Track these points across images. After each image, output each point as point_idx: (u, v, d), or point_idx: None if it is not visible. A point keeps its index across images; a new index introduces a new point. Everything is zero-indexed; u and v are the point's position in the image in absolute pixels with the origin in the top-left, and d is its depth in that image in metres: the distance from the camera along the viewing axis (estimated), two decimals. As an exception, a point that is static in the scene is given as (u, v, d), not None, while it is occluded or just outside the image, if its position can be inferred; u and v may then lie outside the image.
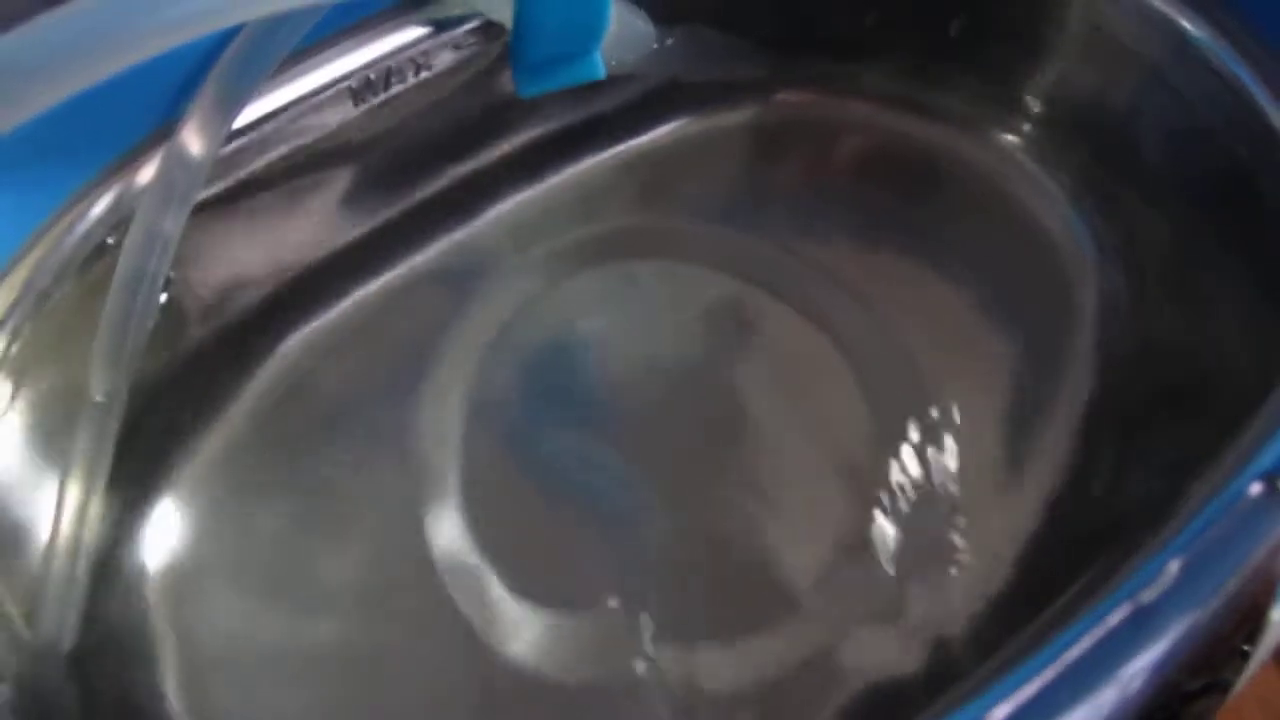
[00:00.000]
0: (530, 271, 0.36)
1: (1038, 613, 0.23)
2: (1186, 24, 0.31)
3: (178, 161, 0.26)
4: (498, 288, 0.36)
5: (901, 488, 0.32)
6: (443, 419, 0.33)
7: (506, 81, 0.33)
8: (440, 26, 0.31)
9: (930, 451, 0.32)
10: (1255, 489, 0.20)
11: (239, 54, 0.26)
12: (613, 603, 0.30)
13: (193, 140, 0.26)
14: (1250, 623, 0.21)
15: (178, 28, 0.21)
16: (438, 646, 0.30)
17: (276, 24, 0.26)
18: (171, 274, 0.29)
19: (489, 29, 0.31)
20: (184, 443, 0.33)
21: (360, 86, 0.30)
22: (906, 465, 0.32)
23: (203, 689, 0.29)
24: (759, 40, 0.36)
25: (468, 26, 0.31)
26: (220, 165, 0.29)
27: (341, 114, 0.31)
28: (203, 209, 0.30)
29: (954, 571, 0.31)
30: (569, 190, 0.37)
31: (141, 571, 0.31)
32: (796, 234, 0.36)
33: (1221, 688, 0.22)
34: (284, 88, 0.30)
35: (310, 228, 0.34)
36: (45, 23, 0.20)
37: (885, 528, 0.31)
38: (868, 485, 0.32)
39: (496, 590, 0.31)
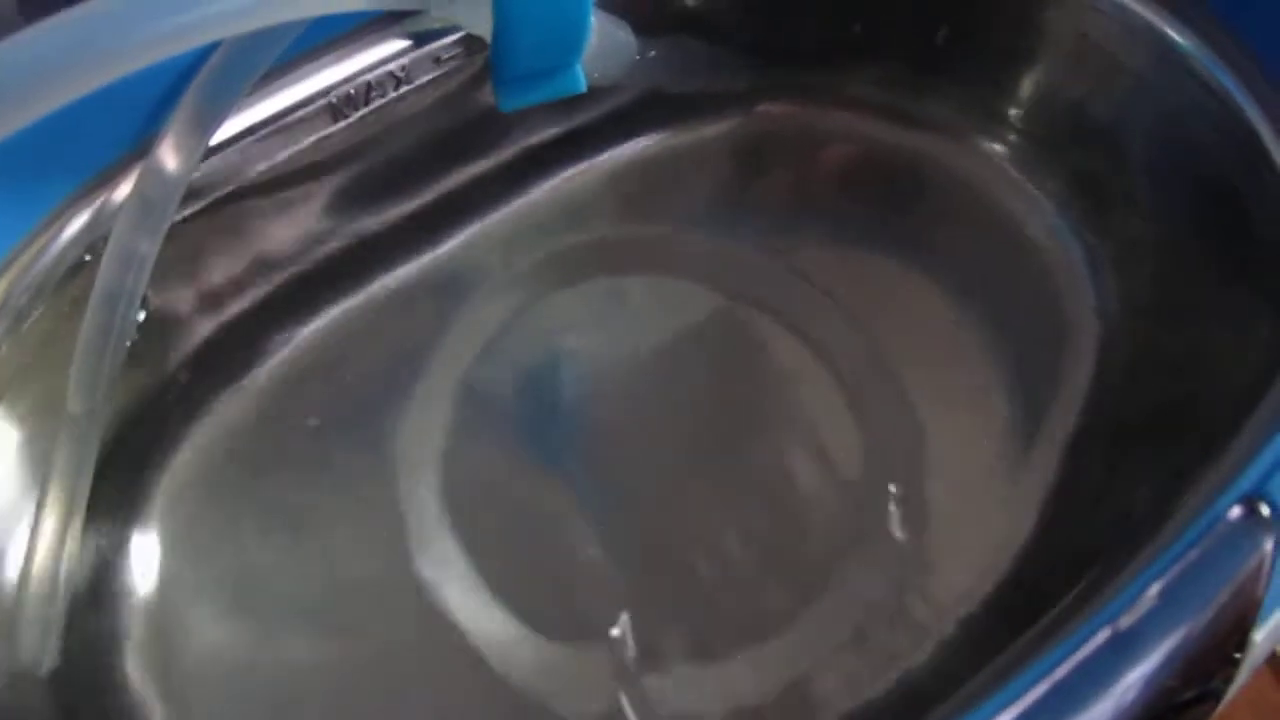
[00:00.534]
0: (515, 283, 0.36)
1: (1027, 626, 0.23)
2: (1171, 32, 0.31)
3: (154, 179, 0.26)
4: (483, 300, 0.36)
5: (888, 502, 0.32)
6: (426, 433, 0.33)
7: (488, 95, 0.33)
8: (420, 41, 0.31)
9: (916, 465, 0.32)
10: (1235, 512, 0.20)
11: (216, 70, 0.26)
12: (595, 618, 0.30)
13: (169, 157, 0.26)
14: (1236, 638, 0.21)
15: (156, 44, 0.21)
16: (419, 663, 0.30)
17: (255, 40, 0.26)
18: (149, 292, 0.29)
19: (470, 43, 0.31)
20: (164, 461, 0.32)
21: (341, 101, 0.30)
22: (893, 479, 0.32)
23: (182, 709, 0.29)
24: (742, 50, 0.36)
25: (448, 40, 0.31)
26: (200, 181, 0.29)
27: (322, 129, 0.31)
28: (182, 225, 0.30)
29: (942, 585, 0.31)
30: (553, 202, 0.37)
31: (121, 591, 0.31)
32: (782, 244, 0.36)
33: (1213, 696, 0.21)
34: (263, 103, 0.29)
35: (291, 243, 0.33)
36: (20, 40, 0.19)
37: (872, 542, 0.31)
38: (854, 499, 0.32)
39: (478, 605, 0.30)
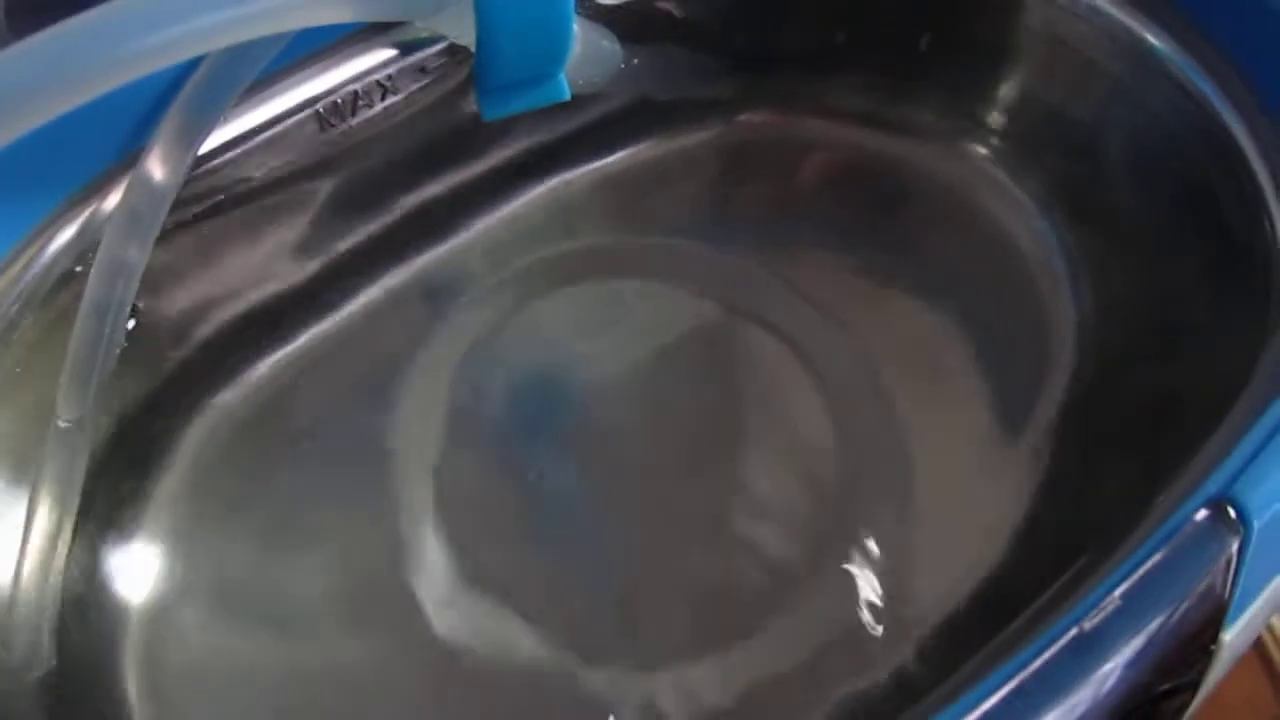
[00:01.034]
0: (503, 290, 0.36)
1: (1006, 627, 0.24)
2: (1149, 37, 0.32)
3: (142, 189, 0.26)
4: (471, 307, 0.36)
5: (870, 504, 0.32)
6: (417, 438, 0.34)
7: (474, 104, 0.33)
8: (406, 50, 0.31)
9: (898, 467, 0.32)
10: (1201, 515, 0.20)
11: (203, 82, 0.27)
12: (586, 619, 0.31)
13: (157, 168, 0.26)
14: (1206, 637, 0.21)
15: (143, 59, 0.21)
16: (411, 665, 0.30)
17: (241, 51, 0.26)
18: (139, 302, 0.29)
19: (455, 52, 0.32)
20: (154, 467, 0.33)
21: (327, 111, 0.31)
22: (875, 481, 0.32)
23: (174, 711, 0.29)
24: (727, 58, 0.37)
25: (433, 50, 0.31)
26: (189, 190, 0.29)
27: (309, 138, 0.31)
28: (172, 233, 0.30)
29: (924, 585, 0.31)
30: (539, 210, 0.38)
31: (113, 595, 0.31)
32: (766, 251, 0.37)
33: (1189, 688, 0.22)
34: (251, 113, 0.30)
35: (281, 250, 0.34)
36: (9, 54, 0.20)
37: (854, 544, 0.31)
38: (837, 501, 0.32)
39: (469, 607, 0.31)
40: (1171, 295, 0.33)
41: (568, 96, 0.29)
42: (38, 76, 0.20)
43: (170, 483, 0.33)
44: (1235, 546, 0.20)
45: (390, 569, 0.31)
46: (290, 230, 0.34)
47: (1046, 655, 0.18)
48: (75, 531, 0.29)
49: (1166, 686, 0.20)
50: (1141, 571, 0.19)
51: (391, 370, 0.35)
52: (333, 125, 0.31)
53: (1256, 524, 0.20)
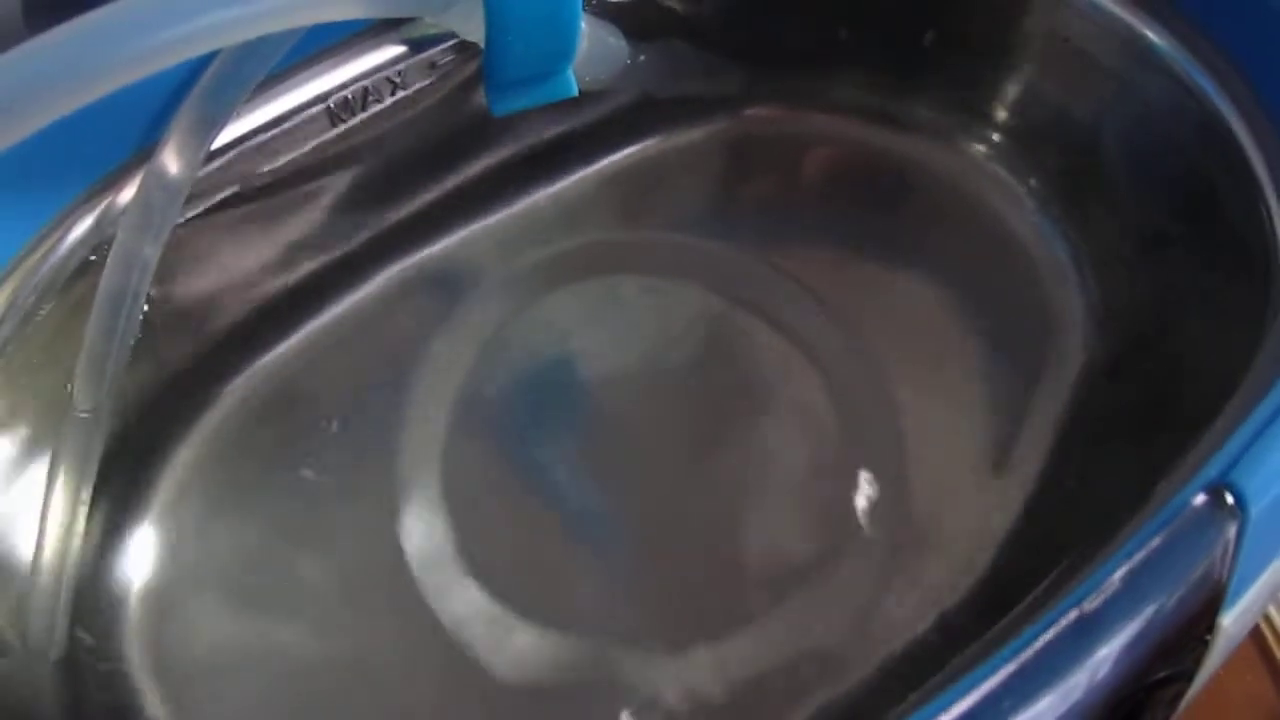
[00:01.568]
0: (512, 285, 0.37)
1: (1006, 614, 0.24)
2: (1150, 34, 0.32)
3: (157, 183, 0.27)
4: (480, 301, 0.36)
5: (872, 498, 0.32)
6: (425, 431, 0.34)
7: (483, 99, 0.33)
8: (416, 46, 0.31)
9: (900, 461, 0.33)
10: (1199, 500, 0.20)
11: (216, 77, 0.27)
12: (591, 609, 0.31)
13: (171, 162, 0.27)
14: (1204, 621, 0.21)
15: (156, 55, 0.21)
16: (419, 655, 0.30)
17: (252, 47, 0.27)
18: (153, 291, 0.29)
19: (464, 48, 0.32)
20: (167, 455, 0.33)
21: (338, 107, 0.31)
22: (877, 475, 0.33)
23: (187, 698, 0.30)
24: (731, 55, 0.37)
25: (443, 46, 0.32)
26: (201, 184, 0.30)
27: (319, 134, 0.31)
28: (185, 226, 0.30)
29: (926, 575, 0.31)
30: (547, 206, 0.38)
31: (127, 581, 0.31)
32: (770, 246, 0.37)
33: (1185, 676, 0.22)
34: (263, 108, 0.30)
35: (290, 245, 0.34)
36: (25, 50, 0.20)
37: (855, 537, 0.32)
38: (839, 495, 0.32)
39: (477, 597, 0.31)
40: (1171, 290, 0.33)
41: (575, 92, 0.29)
42: (53, 72, 0.20)
43: (182, 472, 0.33)
44: (1233, 531, 0.20)
45: (399, 562, 0.32)
46: (301, 223, 0.34)
47: (1048, 636, 0.19)
48: (90, 519, 0.29)
49: (1162, 674, 0.21)
50: (1141, 555, 0.19)
51: (400, 363, 0.35)
52: (343, 120, 0.32)
53: (1254, 509, 0.20)
